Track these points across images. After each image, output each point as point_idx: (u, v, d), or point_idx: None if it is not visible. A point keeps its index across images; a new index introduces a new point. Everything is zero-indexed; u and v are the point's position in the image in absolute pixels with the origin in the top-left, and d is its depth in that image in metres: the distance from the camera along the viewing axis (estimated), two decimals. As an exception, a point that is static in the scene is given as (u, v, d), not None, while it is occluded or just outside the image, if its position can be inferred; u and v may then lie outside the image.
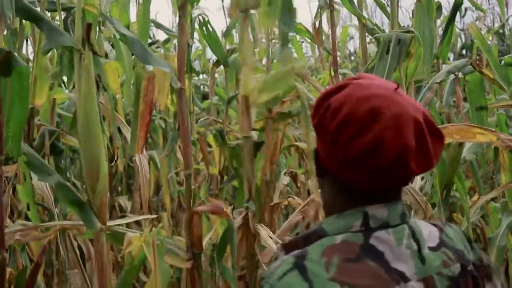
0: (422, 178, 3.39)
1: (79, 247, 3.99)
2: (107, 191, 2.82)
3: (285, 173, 4.78)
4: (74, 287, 3.82)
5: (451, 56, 7.85)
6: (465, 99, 4.87)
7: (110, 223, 2.93)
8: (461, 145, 3.38)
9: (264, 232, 2.89)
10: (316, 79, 4.70)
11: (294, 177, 4.52)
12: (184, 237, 2.87)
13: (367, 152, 1.40)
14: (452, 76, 4.26)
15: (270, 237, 2.89)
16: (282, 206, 3.97)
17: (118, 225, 3.10)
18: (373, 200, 1.46)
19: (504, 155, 4.27)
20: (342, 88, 1.47)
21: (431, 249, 1.49)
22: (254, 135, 3.33)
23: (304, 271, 1.39)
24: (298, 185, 4.64)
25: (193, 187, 3.84)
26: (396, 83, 1.48)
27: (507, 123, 4.52)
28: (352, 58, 9.06)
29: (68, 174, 4.74)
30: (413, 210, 2.87)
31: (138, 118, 3.13)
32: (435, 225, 1.56)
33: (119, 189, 6.19)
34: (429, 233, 1.51)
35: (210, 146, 5.62)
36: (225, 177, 5.10)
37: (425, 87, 3.48)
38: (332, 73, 3.89)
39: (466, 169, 5.17)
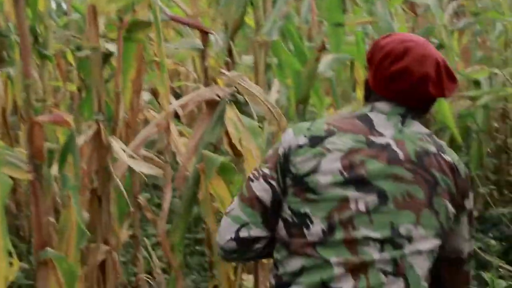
0: (278, 92, 3.43)
1: None
2: None
3: (145, 89, 4.73)
4: None
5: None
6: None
7: None
8: (317, 59, 3.42)
9: (116, 144, 2.85)
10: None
11: (155, 93, 4.46)
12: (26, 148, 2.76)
13: (399, 74, 2.04)
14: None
15: (123, 150, 2.85)
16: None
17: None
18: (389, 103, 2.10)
19: (359, 71, 4.39)
20: (389, 36, 2.15)
21: (414, 131, 2.05)
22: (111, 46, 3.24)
23: (315, 119, 2.16)
24: (159, 101, 4.59)
25: (48, 103, 3.73)
26: (427, 40, 2.19)
27: (364, 40, 4.61)
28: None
29: None
30: (266, 121, 2.92)
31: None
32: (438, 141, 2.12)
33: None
34: (421, 129, 2.08)
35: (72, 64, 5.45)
36: (85, 94, 4.96)
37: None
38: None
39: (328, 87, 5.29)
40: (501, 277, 4.76)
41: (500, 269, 4.84)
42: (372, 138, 2.01)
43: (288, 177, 2.03)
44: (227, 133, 3.29)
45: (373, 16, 4.53)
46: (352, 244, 1.94)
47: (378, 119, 2.05)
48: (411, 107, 2.08)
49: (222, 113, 2.90)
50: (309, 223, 1.97)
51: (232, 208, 2.11)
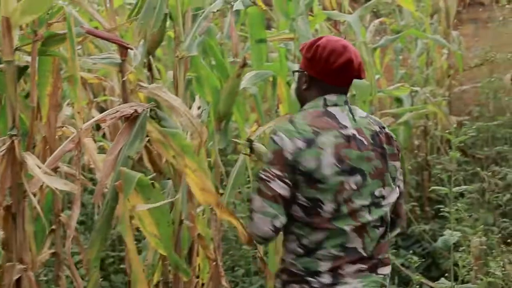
0: (199, 108, 3.41)
1: None
2: None
3: (68, 104, 4.68)
4: None
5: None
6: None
7: None
8: (238, 76, 3.42)
9: (31, 160, 2.78)
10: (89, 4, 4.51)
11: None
12: None
13: (343, 66, 2.78)
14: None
15: (38, 166, 2.79)
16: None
17: None
18: (334, 93, 2.82)
19: (282, 88, 4.41)
20: (321, 38, 2.85)
21: (361, 117, 2.84)
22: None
23: (292, 121, 2.76)
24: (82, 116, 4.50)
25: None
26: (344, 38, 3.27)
27: (287, 57, 4.64)
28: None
29: None
30: (188, 133, 2.91)
31: None
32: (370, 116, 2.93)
33: None
34: (361, 111, 2.86)
35: None
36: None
37: (201, 16, 3.46)
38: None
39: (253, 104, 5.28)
40: (422, 293, 4.85)
41: (421, 286, 4.92)
42: (342, 131, 2.75)
43: (297, 173, 2.69)
44: (147, 149, 3.26)
45: (295, 33, 4.57)
46: (353, 213, 2.73)
47: (337, 113, 2.78)
48: (345, 93, 2.85)
49: (141, 127, 2.87)
50: (321, 205, 2.70)
51: (258, 206, 2.71)
